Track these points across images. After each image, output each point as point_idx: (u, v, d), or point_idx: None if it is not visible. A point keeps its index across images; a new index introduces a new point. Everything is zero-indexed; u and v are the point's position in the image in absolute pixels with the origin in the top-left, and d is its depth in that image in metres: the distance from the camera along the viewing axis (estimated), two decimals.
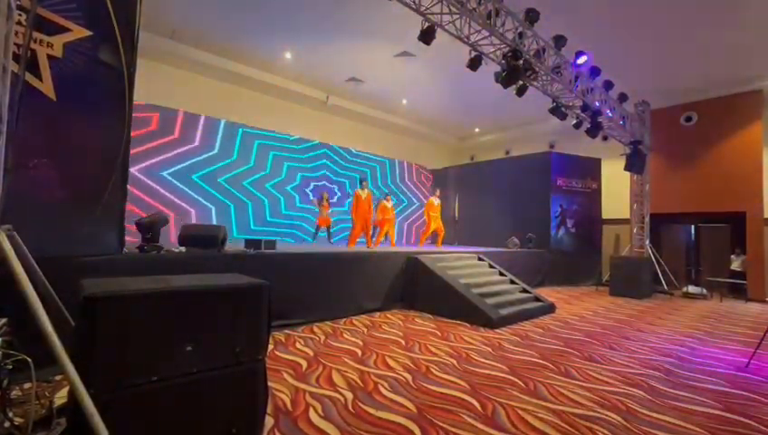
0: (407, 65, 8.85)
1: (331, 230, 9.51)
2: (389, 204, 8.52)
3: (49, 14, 3.11)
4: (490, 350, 4.26)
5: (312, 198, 10.17)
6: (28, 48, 2.32)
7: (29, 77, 2.99)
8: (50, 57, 3.12)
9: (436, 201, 9.52)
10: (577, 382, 3.35)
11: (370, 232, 7.70)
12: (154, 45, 7.80)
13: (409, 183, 13.36)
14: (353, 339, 4.49)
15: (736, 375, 3.72)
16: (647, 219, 9.83)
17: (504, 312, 5.66)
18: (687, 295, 9.05)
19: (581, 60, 7.06)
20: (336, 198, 10.69)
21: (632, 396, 3.09)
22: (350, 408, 2.70)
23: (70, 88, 3.26)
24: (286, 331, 4.68)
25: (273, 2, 6.78)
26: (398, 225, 12.46)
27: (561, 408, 2.83)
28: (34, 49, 3.01)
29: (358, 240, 7.78)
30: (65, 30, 3.21)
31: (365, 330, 4.93)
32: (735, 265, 9.20)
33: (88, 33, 3.34)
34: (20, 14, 2.62)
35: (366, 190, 7.63)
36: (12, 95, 1.99)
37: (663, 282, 9.30)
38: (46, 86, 3.11)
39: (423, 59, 8.37)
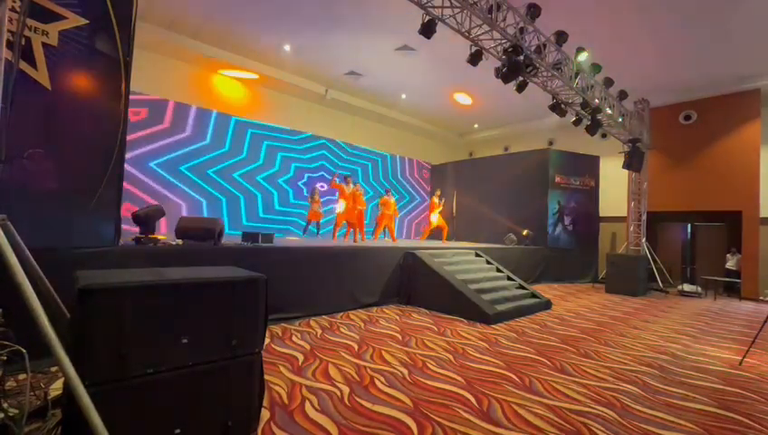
0: (406, 59, 8.79)
1: (321, 223, 9.51)
2: (392, 199, 8.48)
3: (44, 2, 3.06)
4: (486, 345, 4.28)
5: (306, 193, 10.21)
6: (22, 35, 2.28)
7: (23, 65, 2.94)
8: (45, 45, 3.07)
9: (436, 200, 9.64)
10: (572, 378, 3.37)
11: (356, 227, 7.67)
12: (152, 35, 7.71)
13: (408, 178, 13.33)
14: (350, 333, 4.50)
15: (730, 373, 3.75)
16: (643, 217, 9.86)
17: (500, 308, 5.68)
18: (682, 293, 9.12)
19: (582, 56, 7.03)
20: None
21: (626, 392, 3.12)
22: (347, 402, 2.71)
23: (65, 77, 3.22)
24: (283, 324, 4.68)
25: None
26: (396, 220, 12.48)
27: (555, 403, 2.85)
28: (29, 37, 2.96)
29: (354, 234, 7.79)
30: (61, 18, 3.16)
31: (362, 324, 4.94)
32: (731, 263, 9.26)
33: (84, 21, 3.29)
34: (14, 1, 2.57)
35: (350, 186, 7.63)
36: (5, 83, 1.95)
37: (658, 280, 9.35)
38: (41, 74, 3.06)
39: (423, 53, 8.31)
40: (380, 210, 8.43)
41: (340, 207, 7.54)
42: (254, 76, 9.45)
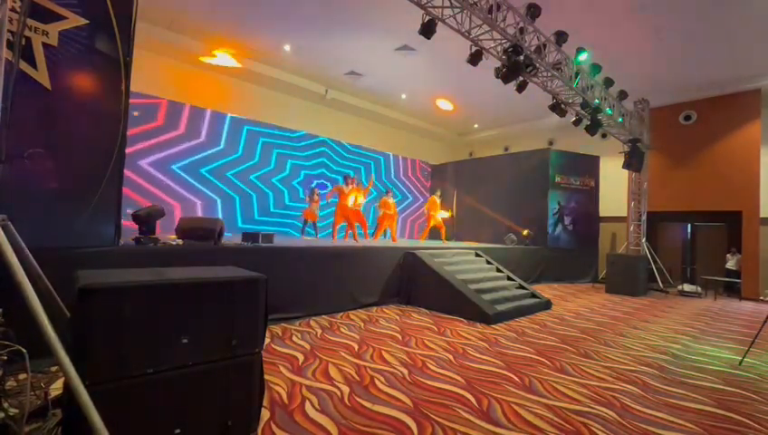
0: (406, 59, 8.79)
1: (318, 225, 9.49)
2: (391, 199, 8.51)
3: (44, 2, 3.06)
4: (486, 345, 4.28)
5: (303, 195, 10.20)
6: (22, 35, 2.28)
7: (24, 65, 2.95)
8: (45, 45, 3.08)
9: (437, 199, 9.58)
10: (572, 378, 3.37)
11: (354, 227, 7.68)
12: (151, 36, 7.71)
13: (408, 178, 13.33)
14: (350, 333, 4.50)
15: (730, 373, 3.75)
16: (644, 217, 9.86)
17: (500, 308, 5.68)
18: (682, 293, 9.12)
19: (582, 56, 7.03)
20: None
21: (626, 392, 3.12)
22: (347, 401, 2.71)
23: (65, 77, 3.22)
24: (283, 324, 4.68)
25: None
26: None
27: (555, 403, 2.85)
28: (29, 37, 2.97)
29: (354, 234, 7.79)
30: (61, 18, 3.16)
31: (362, 324, 4.94)
32: (731, 263, 9.26)
33: (84, 21, 3.29)
34: (14, 1, 2.57)
35: (350, 186, 7.63)
36: (5, 83, 1.95)
37: (659, 280, 9.34)
38: (41, 74, 3.07)
39: (423, 53, 8.31)
40: (381, 211, 8.44)
41: (348, 201, 7.57)
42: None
